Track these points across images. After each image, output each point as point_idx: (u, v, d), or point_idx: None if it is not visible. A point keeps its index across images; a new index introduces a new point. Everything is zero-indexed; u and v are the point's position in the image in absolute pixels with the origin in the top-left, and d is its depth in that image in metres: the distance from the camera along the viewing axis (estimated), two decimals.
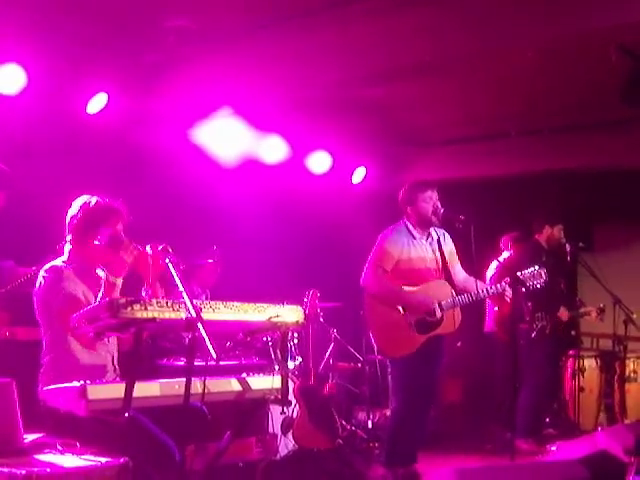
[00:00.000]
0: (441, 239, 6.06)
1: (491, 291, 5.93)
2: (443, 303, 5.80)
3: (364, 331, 7.03)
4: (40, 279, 4.22)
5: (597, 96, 7.17)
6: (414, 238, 5.96)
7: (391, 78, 6.86)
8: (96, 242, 4.25)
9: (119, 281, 4.22)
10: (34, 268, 5.45)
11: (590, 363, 8.04)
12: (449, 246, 6.10)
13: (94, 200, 4.34)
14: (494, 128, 8.39)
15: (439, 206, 5.93)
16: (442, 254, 6.01)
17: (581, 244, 7.60)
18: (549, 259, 7.46)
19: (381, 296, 5.90)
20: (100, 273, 4.32)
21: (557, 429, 7.74)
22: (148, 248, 4.16)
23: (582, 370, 7.94)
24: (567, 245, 7.53)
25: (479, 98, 7.46)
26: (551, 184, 8.64)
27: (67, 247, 4.34)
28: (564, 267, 7.73)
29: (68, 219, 4.35)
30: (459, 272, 6.12)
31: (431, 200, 5.92)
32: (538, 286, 5.91)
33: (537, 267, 5.95)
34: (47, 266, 4.26)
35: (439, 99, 7.53)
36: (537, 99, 7.40)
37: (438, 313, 5.78)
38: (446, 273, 5.99)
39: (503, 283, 5.91)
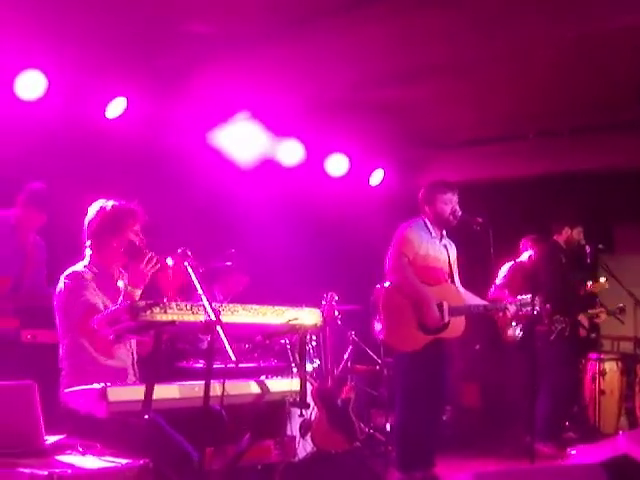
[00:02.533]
0: (449, 246, 6.07)
1: (493, 308, 6.02)
2: (454, 308, 5.79)
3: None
4: (61, 285, 4.27)
5: (616, 96, 7.15)
6: (431, 236, 5.96)
7: (408, 79, 6.88)
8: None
9: (137, 292, 4.23)
10: None
11: (611, 366, 7.99)
12: (453, 256, 6.11)
13: (110, 204, 4.39)
14: (512, 129, 8.36)
15: (457, 209, 5.94)
16: (449, 260, 6.04)
17: (601, 245, 7.56)
18: (568, 260, 7.44)
19: (402, 285, 5.82)
20: (120, 284, 4.36)
21: (577, 433, 7.69)
22: (169, 260, 4.18)
23: (603, 373, 7.90)
24: (587, 247, 7.50)
25: (497, 99, 7.44)
26: (571, 185, 8.60)
27: (87, 252, 4.39)
28: (584, 269, 7.71)
29: (86, 224, 4.40)
30: (458, 282, 6.13)
31: (450, 202, 5.92)
32: (527, 312, 5.99)
33: (530, 296, 5.93)
34: (68, 271, 4.30)
35: (456, 100, 7.51)
36: (555, 100, 7.38)
37: (446, 317, 5.76)
38: (451, 278, 6.02)
39: (509, 307, 5.96)
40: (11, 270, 5.87)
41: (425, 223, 5.98)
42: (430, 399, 5.84)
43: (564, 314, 7.23)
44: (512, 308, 5.91)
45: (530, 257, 7.95)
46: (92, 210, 4.41)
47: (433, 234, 5.96)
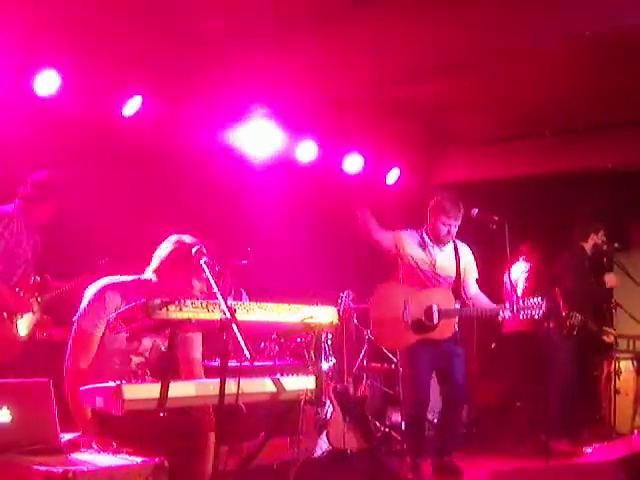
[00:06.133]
0: (460, 250, 6.31)
1: (500, 315, 6.11)
2: (442, 310, 6.05)
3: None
4: (95, 287, 4.25)
5: (632, 94, 7.12)
6: (425, 245, 6.25)
7: (425, 78, 6.86)
8: None
9: None
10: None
11: (626, 365, 7.93)
12: (466, 258, 6.35)
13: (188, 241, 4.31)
14: (529, 128, 8.34)
15: (452, 231, 6.17)
16: (457, 264, 6.27)
17: (617, 244, 7.58)
18: (591, 266, 7.55)
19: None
20: None
21: (592, 432, 7.66)
22: None
23: (618, 372, 7.84)
24: (604, 246, 7.56)
25: (514, 98, 7.42)
26: (588, 183, 8.57)
27: (150, 273, 4.34)
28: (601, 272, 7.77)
29: (162, 254, 4.34)
30: (471, 285, 6.36)
31: (447, 225, 6.15)
32: (535, 316, 6.07)
33: (539, 299, 6.05)
34: (111, 281, 4.27)
35: (473, 99, 7.49)
36: (571, 98, 7.34)
37: (435, 319, 6.03)
38: (456, 283, 6.26)
39: (503, 306, 6.10)
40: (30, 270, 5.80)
41: (421, 234, 6.29)
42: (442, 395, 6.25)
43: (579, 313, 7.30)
44: (507, 313, 6.07)
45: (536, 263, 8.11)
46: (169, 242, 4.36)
47: (429, 244, 6.25)
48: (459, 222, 6.17)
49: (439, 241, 6.23)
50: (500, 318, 6.14)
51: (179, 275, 4.23)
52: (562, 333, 7.25)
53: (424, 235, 6.26)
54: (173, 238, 4.34)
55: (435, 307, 6.04)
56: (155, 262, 4.32)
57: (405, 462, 6.27)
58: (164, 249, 4.32)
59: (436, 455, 6.20)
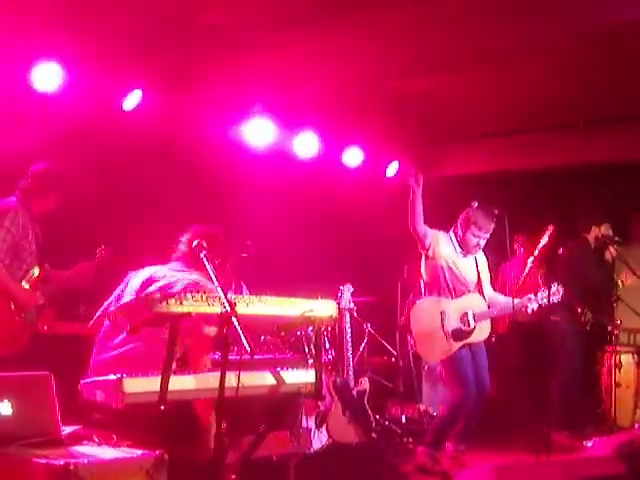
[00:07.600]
0: (477, 256, 6.48)
1: (517, 306, 6.30)
2: (477, 314, 6.31)
3: (397, 326, 7.14)
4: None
5: (632, 88, 7.12)
6: (455, 250, 6.39)
7: (426, 72, 6.86)
8: None
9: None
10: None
11: (627, 359, 7.91)
12: (482, 261, 6.54)
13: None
14: (529, 122, 8.32)
15: (481, 244, 6.35)
16: (477, 269, 6.47)
17: (617, 238, 7.61)
18: (596, 258, 7.67)
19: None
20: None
21: (593, 425, 7.66)
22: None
23: (619, 366, 7.84)
24: (607, 239, 7.63)
25: (514, 92, 7.41)
26: (588, 177, 8.56)
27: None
28: (605, 266, 7.81)
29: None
30: (487, 288, 6.56)
31: (477, 237, 6.32)
32: (555, 300, 6.29)
33: (555, 285, 6.28)
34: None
35: (473, 93, 7.48)
36: (571, 92, 7.34)
37: (472, 323, 6.26)
38: (478, 286, 6.47)
39: (529, 299, 6.32)
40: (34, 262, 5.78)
41: (451, 238, 6.42)
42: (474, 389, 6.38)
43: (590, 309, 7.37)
44: (534, 305, 6.30)
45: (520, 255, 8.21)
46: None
47: (457, 249, 6.40)
48: (489, 235, 6.33)
49: (467, 251, 6.39)
50: (530, 311, 6.31)
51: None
52: (574, 327, 7.30)
53: (453, 240, 6.41)
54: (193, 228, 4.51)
55: (470, 312, 6.28)
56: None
57: (417, 453, 6.41)
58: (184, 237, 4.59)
59: (454, 442, 6.42)
